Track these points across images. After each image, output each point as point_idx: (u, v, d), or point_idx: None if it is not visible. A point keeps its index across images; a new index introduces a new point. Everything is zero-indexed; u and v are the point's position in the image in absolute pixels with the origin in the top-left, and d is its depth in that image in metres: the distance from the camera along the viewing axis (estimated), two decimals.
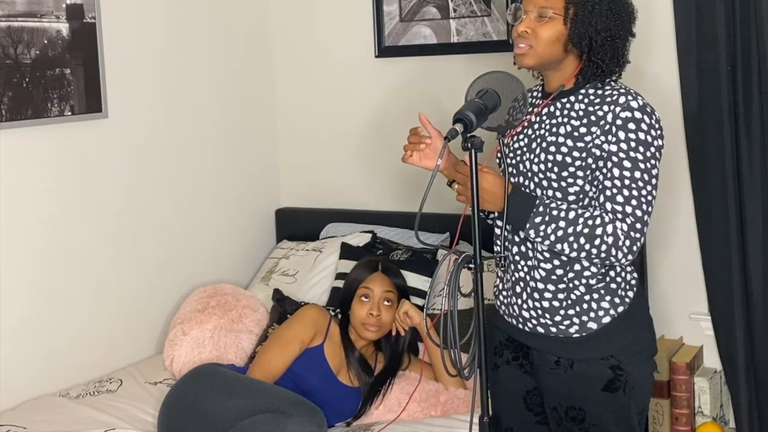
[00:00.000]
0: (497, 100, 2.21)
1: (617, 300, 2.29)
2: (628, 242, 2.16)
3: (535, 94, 2.42)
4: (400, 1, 3.74)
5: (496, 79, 2.24)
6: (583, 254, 2.18)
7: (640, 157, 2.17)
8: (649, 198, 2.19)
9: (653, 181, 2.19)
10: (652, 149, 2.19)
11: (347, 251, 3.59)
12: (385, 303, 3.04)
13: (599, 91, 2.26)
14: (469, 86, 2.26)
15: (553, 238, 2.19)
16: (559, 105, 2.30)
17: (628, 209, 2.16)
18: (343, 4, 3.89)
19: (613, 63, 2.26)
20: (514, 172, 2.35)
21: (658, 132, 2.21)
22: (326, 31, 3.95)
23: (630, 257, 2.19)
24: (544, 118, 2.31)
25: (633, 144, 2.17)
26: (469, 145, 2.10)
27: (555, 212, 2.19)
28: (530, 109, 2.35)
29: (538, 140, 2.30)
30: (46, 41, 3.12)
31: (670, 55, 3.18)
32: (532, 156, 2.30)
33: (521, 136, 2.35)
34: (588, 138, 2.22)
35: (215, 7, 3.80)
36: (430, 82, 3.70)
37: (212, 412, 2.73)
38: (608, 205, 2.18)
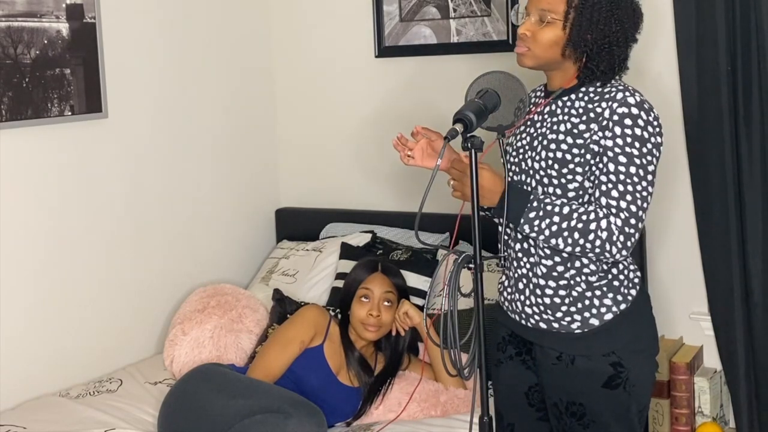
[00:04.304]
0: (497, 100, 2.22)
1: (620, 297, 2.29)
2: (622, 237, 2.17)
3: (539, 93, 2.44)
4: (400, 1, 3.74)
5: (496, 79, 2.25)
6: (578, 249, 2.20)
7: (635, 152, 2.18)
8: (644, 194, 2.19)
9: (649, 177, 2.20)
10: (649, 146, 2.19)
11: (347, 251, 3.59)
12: (385, 303, 3.04)
13: (599, 89, 2.27)
14: (469, 86, 2.28)
15: (547, 233, 2.20)
16: (560, 103, 2.31)
17: (623, 204, 2.17)
18: (343, 4, 3.89)
19: (609, 69, 2.26)
20: (517, 170, 2.36)
21: (656, 129, 2.22)
22: (326, 31, 3.95)
23: (624, 252, 2.19)
24: (546, 116, 2.33)
25: (629, 139, 2.18)
26: (468, 145, 2.11)
27: (549, 207, 2.21)
28: (531, 108, 2.37)
29: (540, 138, 2.31)
30: (46, 41, 3.12)
31: (670, 55, 3.18)
32: (533, 154, 2.31)
33: (523, 135, 2.37)
34: (587, 135, 2.23)
35: (215, 7, 3.80)
36: (430, 82, 3.70)
37: (212, 412, 2.72)
38: (603, 200, 2.19)
